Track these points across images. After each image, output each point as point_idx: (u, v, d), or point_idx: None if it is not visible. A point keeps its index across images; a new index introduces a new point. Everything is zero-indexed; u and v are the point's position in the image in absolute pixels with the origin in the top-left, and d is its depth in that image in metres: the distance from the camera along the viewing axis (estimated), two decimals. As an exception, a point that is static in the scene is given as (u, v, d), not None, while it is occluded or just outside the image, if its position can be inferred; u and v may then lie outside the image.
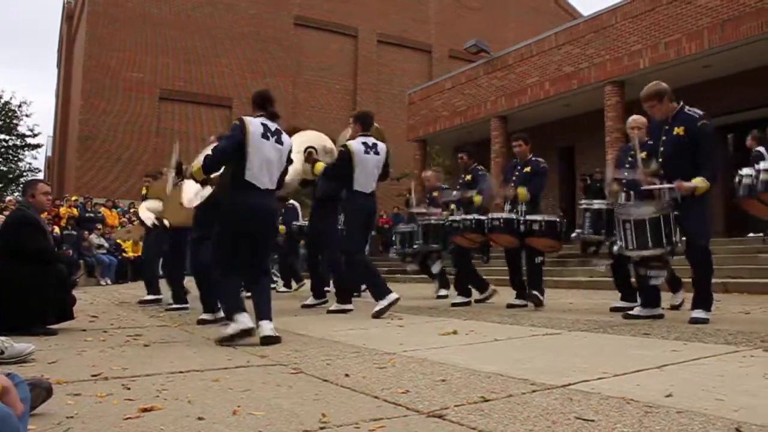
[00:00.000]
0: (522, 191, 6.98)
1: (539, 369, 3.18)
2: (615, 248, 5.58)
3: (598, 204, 6.23)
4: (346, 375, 3.15)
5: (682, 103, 5.24)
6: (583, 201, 6.59)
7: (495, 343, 4.24)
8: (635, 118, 6.12)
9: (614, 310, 6.13)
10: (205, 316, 5.92)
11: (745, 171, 4.68)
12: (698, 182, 4.90)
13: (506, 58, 18.60)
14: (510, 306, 6.96)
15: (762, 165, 4.57)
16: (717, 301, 5.30)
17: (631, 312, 5.56)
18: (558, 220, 6.70)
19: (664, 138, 5.21)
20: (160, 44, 25.53)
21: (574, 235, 6.39)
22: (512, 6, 32.51)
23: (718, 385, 2.70)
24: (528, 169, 7.10)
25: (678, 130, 5.09)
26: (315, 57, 28.35)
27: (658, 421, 2.17)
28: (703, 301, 5.11)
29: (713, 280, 5.94)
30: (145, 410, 2.46)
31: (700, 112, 5.12)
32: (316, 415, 2.36)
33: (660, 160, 5.23)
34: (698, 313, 5.03)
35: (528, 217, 6.75)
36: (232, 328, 4.41)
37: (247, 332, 4.41)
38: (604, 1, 17.74)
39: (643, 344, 4.02)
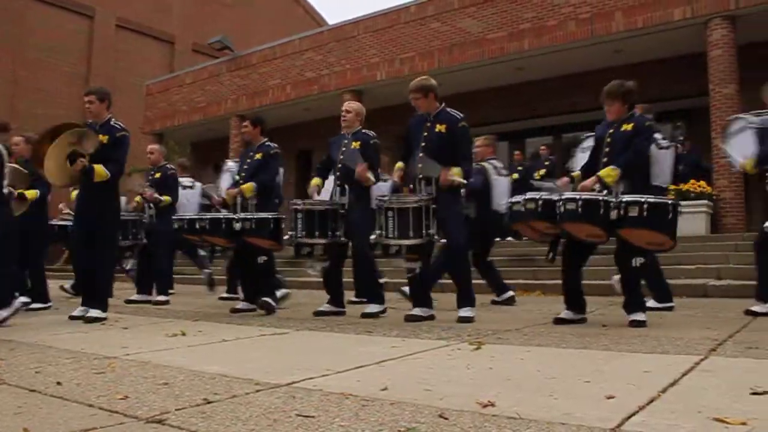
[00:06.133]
0: (249, 186, 6.20)
1: (265, 368, 3.20)
2: (372, 237, 5.30)
3: (309, 205, 5.84)
4: (58, 383, 2.90)
5: (443, 104, 5.50)
6: (294, 201, 5.98)
7: (223, 344, 4.20)
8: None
9: (365, 315, 5.73)
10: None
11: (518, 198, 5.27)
12: (456, 171, 5.14)
13: (250, 58, 18.60)
14: (235, 311, 6.36)
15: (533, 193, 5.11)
16: (435, 300, 5.67)
17: (411, 313, 5.37)
18: (273, 217, 6.03)
19: (425, 134, 5.38)
20: None
21: (286, 237, 6.01)
22: (263, 7, 32.37)
23: (428, 377, 2.93)
24: (259, 155, 6.36)
25: (440, 128, 5.33)
26: (43, 35, 25.29)
27: (373, 413, 2.30)
28: (467, 299, 5.29)
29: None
30: None
31: (461, 114, 5.41)
32: (17, 431, 2.14)
33: (421, 155, 5.29)
34: (465, 312, 5.23)
35: (244, 215, 6.07)
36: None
37: None
38: (352, 13, 18.53)
39: (365, 342, 4.24)
